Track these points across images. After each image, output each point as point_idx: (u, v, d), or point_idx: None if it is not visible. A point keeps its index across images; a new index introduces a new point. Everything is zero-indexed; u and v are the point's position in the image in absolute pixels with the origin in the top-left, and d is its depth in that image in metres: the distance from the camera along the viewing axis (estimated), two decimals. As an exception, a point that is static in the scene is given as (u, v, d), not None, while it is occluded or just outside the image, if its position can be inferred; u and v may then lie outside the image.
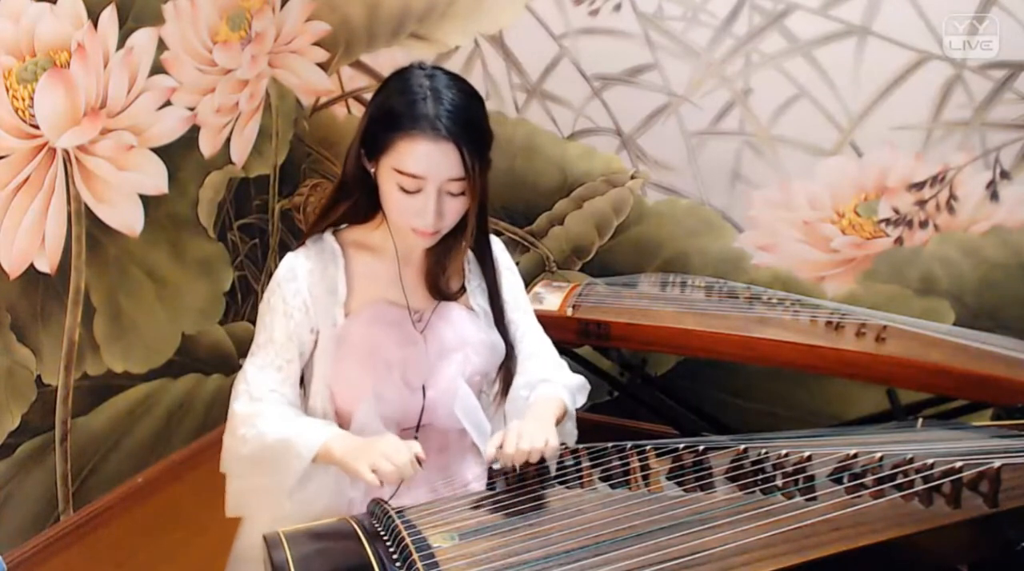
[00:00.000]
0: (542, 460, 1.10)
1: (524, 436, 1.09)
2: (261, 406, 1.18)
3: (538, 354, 1.35)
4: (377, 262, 1.26)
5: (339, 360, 1.21)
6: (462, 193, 1.15)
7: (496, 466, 1.10)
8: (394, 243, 1.25)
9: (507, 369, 1.32)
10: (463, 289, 1.31)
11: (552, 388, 1.26)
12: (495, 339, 1.30)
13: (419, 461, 1.07)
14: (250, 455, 1.16)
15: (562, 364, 1.36)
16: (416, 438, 1.25)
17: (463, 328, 1.27)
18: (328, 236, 1.26)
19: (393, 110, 1.13)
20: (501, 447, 1.09)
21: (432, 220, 1.14)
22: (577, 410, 1.30)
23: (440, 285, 1.28)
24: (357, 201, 1.23)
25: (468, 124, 1.12)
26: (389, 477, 1.04)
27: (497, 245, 1.35)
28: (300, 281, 1.21)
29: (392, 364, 1.22)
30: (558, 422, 1.19)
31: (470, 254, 1.32)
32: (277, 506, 1.17)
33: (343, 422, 1.24)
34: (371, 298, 1.24)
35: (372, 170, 1.18)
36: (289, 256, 1.24)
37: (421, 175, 1.12)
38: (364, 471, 1.05)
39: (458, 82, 1.16)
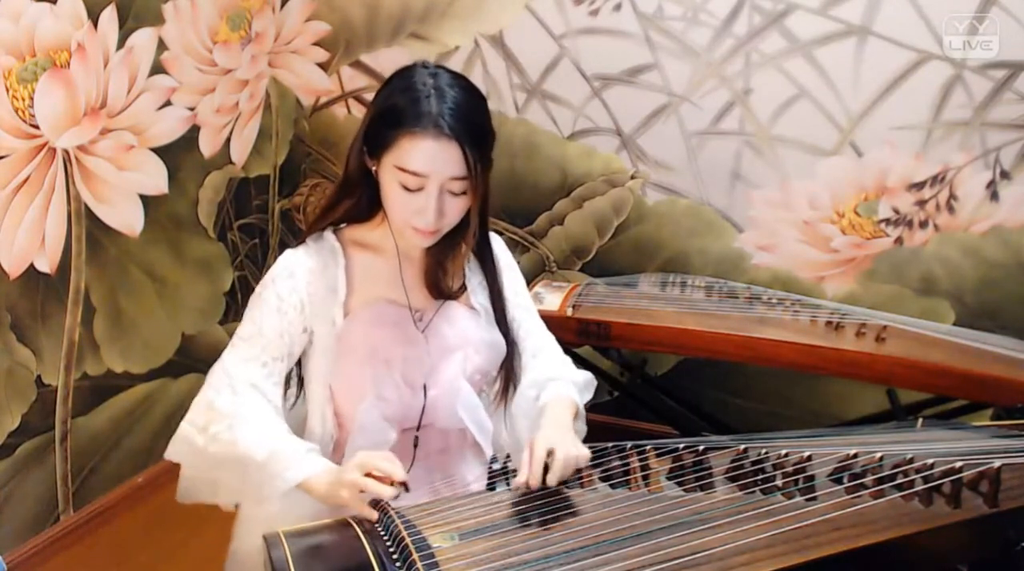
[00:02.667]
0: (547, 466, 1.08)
1: (559, 451, 1.07)
2: (241, 408, 1.14)
3: (543, 351, 1.34)
4: (377, 261, 1.25)
5: (339, 360, 1.21)
6: (463, 192, 1.15)
7: (530, 478, 1.07)
8: (395, 241, 1.25)
9: (508, 368, 1.32)
10: (464, 287, 1.31)
11: (562, 387, 1.25)
12: (496, 338, 1.29)
13: (404, 485, 1.03)
14: (215, 456, 1.13)
15: (567, 361, 1.35)
16: (417, 438, 1.25)
17: (464, 327, 1.27)
18: (328, 234, 1.25)
19: (396, 107, 1.12)
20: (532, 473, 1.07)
21: (433, 219, 1.13)
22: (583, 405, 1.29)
23: (441, 284, 1.28)
24: (359, 199, 1.23)
25: (471, 123, 1.12)
26: (379, 493, 1.01)
27: (497, 243, 1.35)
28: (298, 279, 1.20)
29: (393, 364, 1.21)
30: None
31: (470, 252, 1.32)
32: (244, 502, 1.16)
33: (343, 421, 1.24)
34: (371, 297, 1.23)
35: (374, 168, 1.17)
36: (288, 253, 1.23)
37: (423, 173, 1.11)
38: (358, 506, 1.02)
39: (461, 81, 1.16)
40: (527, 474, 1.06)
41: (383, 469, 1.02)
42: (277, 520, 1.06)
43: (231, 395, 1.16)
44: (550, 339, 1.38)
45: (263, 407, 1.16)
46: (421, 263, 1.28)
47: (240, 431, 1.12)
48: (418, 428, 1.25)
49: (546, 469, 1.07)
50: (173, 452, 1.19)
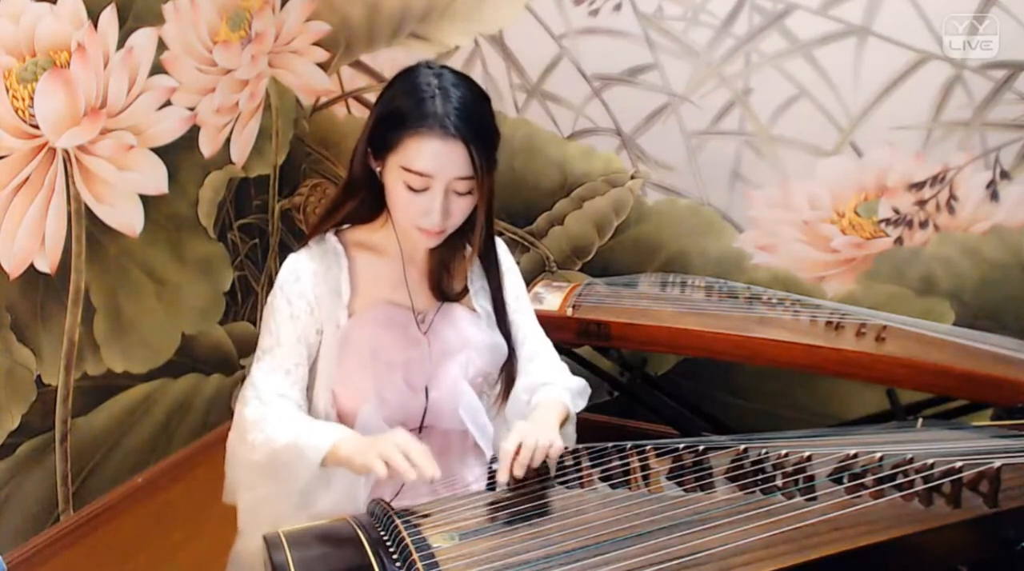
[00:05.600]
0: (544, 464, 1.10)
1: (528, 438, 1.08)
2: (270, 411, 1.17)
3: (539, 357, 1.35)
4: (380, 263, 1.25)
5: (342, 362, 1.21)
6: (469, 192, 1.15)
7: (499, 471, 1.08)
8: (399, 243, 1.25)
9: (508, 371, 1.32)
10: (466, 290, 1.31)
11: (554, 391, 1.26)
12: (497, 340, 1.29)
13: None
14: (260, 461, 1.15)
15: (563, 367, 1.36)
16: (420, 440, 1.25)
17: (466, 329, 1.27)
18: (331, 236, 1.25)
19: (401, 108, 1.12)
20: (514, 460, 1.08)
21: (439, 219, 1.14)
22: (576, 412, 1.30)
23: (443, 286, 1.28)
24: (363, 201, 1.23)
25: (476, 123, 1.12)
26: (401, 468, 1.02)
27: (500, 246, 1.35)
28: (304, 282, 1.20)
29: (395, 366, 1.21)
30: (560, 425, 1.19)
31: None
32: (289, 514, 1.16)
33: (346, 424, 1.24)
34: (374, 299, 1.23)
35: (378, 169, 1.17)
36: (291, 257, 1.24)
37: (429, 173, 1.11)
38: (375, 463, 1.03)
39: (465, 81, 1.16)
40: (504, 473, 1.07)
41: (403, 456, 1.04)
42: (280, 520, 1.06)
43: (260, 406, 1.18)
44: (547, 344, 1.38)
45: (290, 409, 1.18)
46: (425, 264, 1.28)
47: (271, 430, 1.14)
48: (420, 430, 1.25)
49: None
50: (230, 480, 1.22)
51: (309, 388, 1.27)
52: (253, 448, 1.15)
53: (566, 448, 1.14)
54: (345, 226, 1.27)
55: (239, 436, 1.18)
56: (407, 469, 1.02)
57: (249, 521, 1.22)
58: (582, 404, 1.31)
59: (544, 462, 1.10)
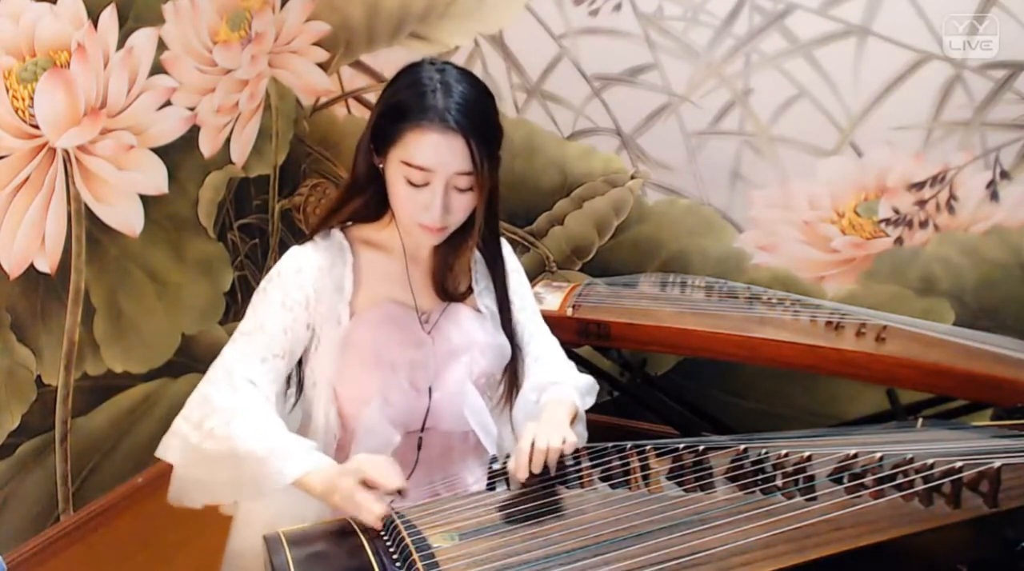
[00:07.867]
0: (561, 462, 1.09)
1: (540, 438, 1.07)
2: (238, 402, 1.11)
3: (546, 356, 1.34)
4: (385, 260, 1.24)
5: (344, 361, 1.19)
6: (470, 188, 1.13)
7: (518, 470, 1.08)
8: (402, 242, 1.24)
9: (513, 371, 1.31)
10: (470, 290, 1.30)
11: (562, 390, 1.24)
12: (502, 341, 1.28)
13: (400, 492, 1.03)
14: (210, 452, 1.09)
15: (571, 365, 1.35)
16: (420, 440, 1.24)
17: (470, 330, 1.26)
18: (336, 232, 1.24)
19: (402, 102, 1.12)
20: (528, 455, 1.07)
21: (439, 215, 1.12)
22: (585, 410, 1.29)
23: (447, 285, 1.27)
24: (367, 199, 1.21)
25: (477, 118, 1.11)
26: (371, 507, 1.00)
27: (505, 247, 1.34)
28: (305, 275, 1.18)
29: (398, 366, 1.20)
30: (570, 423, 1.18)
31: (477, 255, 1.31)
32: (240, 499, 1.13)
33: (347, 423, 1.24)
34: (378, 297, 1.22)
35: (380, 165, 1.16)
36: (296, 249, 1.22)
37: (429, 167, 1.10)
38: (350, 512, 1.01)
39: (468, 77, 1.15)
40: (513, 466, 1.07)
41: (379, 479, 1.01)
42: (276, 520, 1.06)
43: (229, 391, 1.13)
44: (554, 343, 1.37)
45: (261, 403, 1.13)
46: (428, 264, 1.27)
47: (237, 427, 1.09)
48: (422, 430, 1.24)
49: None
50: (165, 448, 1.15)
51: (307, 387, 1.26)
52: (210, 435, 1.09)
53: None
54: (350, 223, 1.26)
55: (195, 417, 1.12)
56: (375, 509, 0.99)
57: (180, 495, 1.15)
58: (590, 402, 1.30)
59: (563, 461, 1.10)
